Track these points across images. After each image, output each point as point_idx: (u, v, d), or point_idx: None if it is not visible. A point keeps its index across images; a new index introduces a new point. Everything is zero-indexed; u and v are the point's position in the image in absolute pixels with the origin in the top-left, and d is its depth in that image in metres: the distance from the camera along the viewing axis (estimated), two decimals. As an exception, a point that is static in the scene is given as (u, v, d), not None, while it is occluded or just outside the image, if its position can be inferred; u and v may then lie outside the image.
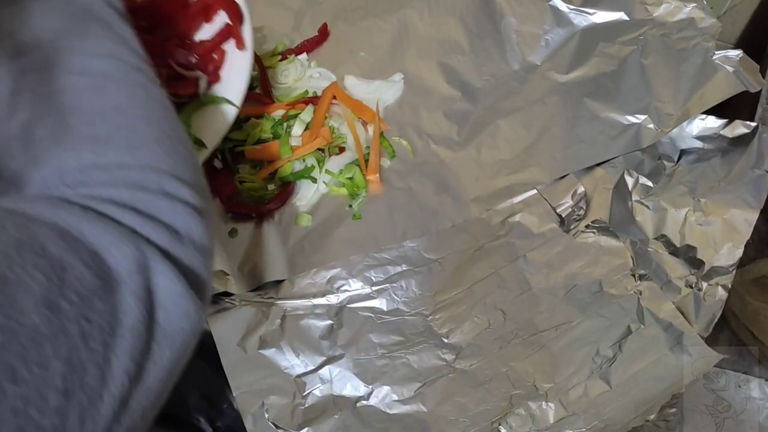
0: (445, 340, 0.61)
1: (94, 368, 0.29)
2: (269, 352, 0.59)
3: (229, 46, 0.63)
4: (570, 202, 0.67)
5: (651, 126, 0.69)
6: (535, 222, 0.67)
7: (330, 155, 0.70)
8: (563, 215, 0.67)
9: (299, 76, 0.75)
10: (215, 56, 0.63)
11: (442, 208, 0.68)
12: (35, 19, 0.39)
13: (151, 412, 0.33)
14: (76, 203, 0.33)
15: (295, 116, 0.70)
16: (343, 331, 0.61)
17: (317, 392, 0.59)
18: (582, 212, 0.67)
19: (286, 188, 0.69)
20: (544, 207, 0.68)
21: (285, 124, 0.70)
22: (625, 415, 0.58)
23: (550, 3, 0.76)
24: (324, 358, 0.60)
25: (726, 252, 0.63)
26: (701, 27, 0.71)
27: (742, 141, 0.67)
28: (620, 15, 0.74)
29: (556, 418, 0.58)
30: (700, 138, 0.68)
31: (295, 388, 0.58)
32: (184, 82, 0.61)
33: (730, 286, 0.62)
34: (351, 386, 0.59)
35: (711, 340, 0.61)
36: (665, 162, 0.69)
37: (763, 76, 0.71)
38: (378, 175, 0.69)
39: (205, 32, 0.64)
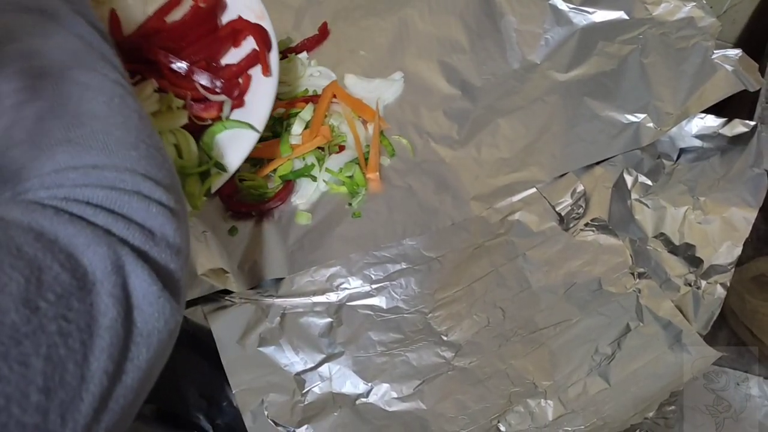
0: (445, 338, 0.61)
1: (74, 367, 0.29)
2: (269, 350, 0.60)
3: (255, 71, 0.64)
4: (569, 201, 0.67)
5: (650, 125, 0.69)
6: (534, 220, 0.67)
7: (330, 154, 0.70)
8: (563, 213, 0.67)
9: (299, 74, 0.75)
10: (241, 81, 0.63)
11: (442, 206, 0.68)
12: (17, 34, 0.40)
13: (130, 412, 0.33)
14: (50, 206, 0.33)
15: (296, 115, 0.70)
16: (342, 329, 0.61)
17: (317, 390, 0.59)
18: (581, 210, 0.67)
19: (286, 186, 0.69)
20: (544, 205, 0.68)
21: (285, 123, 0.70)
22: (624, 412, 0.58)
23: (550, 2, 0.76)
24: (323, 356, 0.60)
25: (725, 250, 0.63)
26: (701, 26, 0.72)
27: (741, 140, 0.67)
28: (620, 14, 0.74)
29: (555, 415, 0.58)
30: (699, 137, 0.68)
31: (294, 386, 0.58)
32: (208, 105, 0.62)
33: (728, 284, 0.63)
34: (350, 384, 0.59)
35: (710, 339, 0.61)
36: (664, 161, 0.70)
37: (762, 75, 0.71)
38: (378, 173, 0.69)
39: (233, 57, 0.65)
